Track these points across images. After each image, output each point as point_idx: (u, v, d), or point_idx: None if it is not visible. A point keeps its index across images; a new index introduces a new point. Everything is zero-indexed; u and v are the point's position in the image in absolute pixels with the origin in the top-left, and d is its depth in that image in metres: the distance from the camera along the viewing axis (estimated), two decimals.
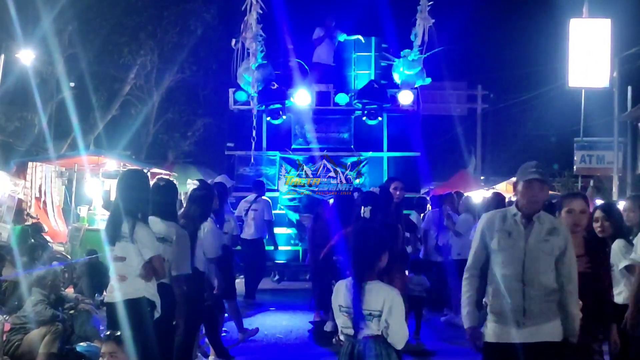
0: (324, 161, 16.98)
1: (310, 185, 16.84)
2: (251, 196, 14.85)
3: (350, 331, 5.34)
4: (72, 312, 9.96)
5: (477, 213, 12.69)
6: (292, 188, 16.90)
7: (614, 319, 6.64)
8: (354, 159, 17.18)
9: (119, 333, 6.28)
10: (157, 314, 6.70)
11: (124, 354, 6.23)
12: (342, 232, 9.44)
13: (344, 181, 16.90)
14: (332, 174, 16.96)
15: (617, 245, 7.27)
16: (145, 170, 11.31)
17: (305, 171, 16.89)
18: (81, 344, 9.31)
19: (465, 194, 16.38)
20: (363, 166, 17.13)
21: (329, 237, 10.82)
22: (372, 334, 5.23)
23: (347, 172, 16.98)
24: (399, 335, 5.24)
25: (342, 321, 5.42)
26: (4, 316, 9.23)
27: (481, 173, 32.40)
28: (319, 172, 16.92)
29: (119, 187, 6.93)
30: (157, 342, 6.62)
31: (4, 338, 8.87)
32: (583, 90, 23.73)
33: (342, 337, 5.50)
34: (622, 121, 24.01)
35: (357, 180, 16.96)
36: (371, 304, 5.25)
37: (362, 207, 8.59)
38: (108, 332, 6.44)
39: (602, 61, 22.61)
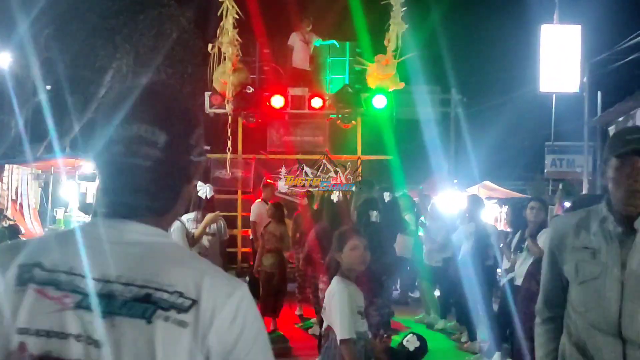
0: (324, 161, 17.13)
1: (310, 186, 16.95)
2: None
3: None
4: None
5: (452, 218, 12.96)
6: (292, 187, 17.01)
7: None
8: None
9: None
10: None
11: None
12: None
13: (344, 181, 17.01)
14: (331, 173, 17.06)
15: None
16: None
17: (305, 171, 16.99)
18: None
19: (434, 198, 16.61)
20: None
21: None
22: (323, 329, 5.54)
23: (347, 172, 17.10)
24: (336, 328, 5.32)
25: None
26: None
27: (454, 176, 32.62)
28: (318, 172, 17.04)
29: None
30: None
31: None
32: (554, 95, 24.08)
33: None
34: (592, 126, 24.39)
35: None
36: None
37: (370, 212, 8.84)
38: None
39: (572, 67, 22.95)
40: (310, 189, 15.94)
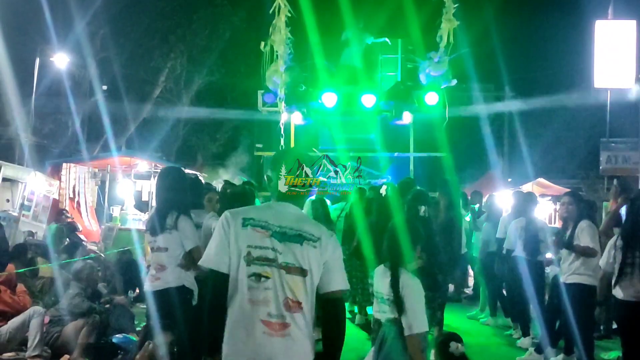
0: (324, 161, 16.89)
1: (310, 186, 16.69)
2: None
3: (378, 315, 5.65)
4: (107, 306, 10.30)
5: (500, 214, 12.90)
6: (292, 188, 16.61)
7: None
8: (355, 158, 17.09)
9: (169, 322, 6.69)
10: (194, 302, 6.98)
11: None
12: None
13: (344, 181, 16.87)
14: (332, 174, 16.90)
15: None
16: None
17: (305, 171, 16.76)
18: (117, 335, 9.63)
19: (488, 195, 16.52)
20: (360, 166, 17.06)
21: None
22: (391, 317, 5.49)
23: (347, 172, 16.92)
24: (408, 320, 5.40)
25: (374, 306, 5.76)
26: (44, 309, 9.53)
27: (509, 174, 32.41)
28: (318, 172, 16.88)
29: (162, 183, 7.22)
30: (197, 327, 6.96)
31: (44, 330, 9.19)
32: (609, 91, 23.80)
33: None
34: None
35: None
36: (387, 288, 5.57)
37: (421, 207, 8.88)
38: (163, 323, 6.81)
39: (627, 62, 22.68)
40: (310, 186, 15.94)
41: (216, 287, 4.03)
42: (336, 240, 4.16)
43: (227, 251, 4.00)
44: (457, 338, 7.42)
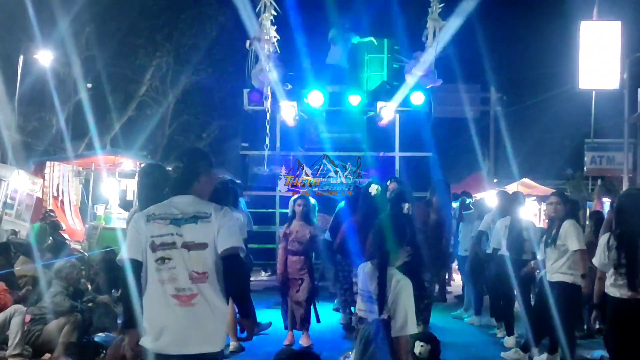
0: (324, 161, 16.86)
1: (310, 185, 16.73)
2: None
3: (363, 314, 5.56)
4: (90, 305, 10.25)
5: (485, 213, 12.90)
6: (291, 188, 16.79)
7: None
8: (355, 158, 17.16)
9: None
10: None
11: None
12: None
13: (344, 181, 16.87)
14: (331, 174, 16.86)
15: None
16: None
17: (305, 171, 16.81)
18: (99, 334, 9.59)
19: (477, 196, 16.51)
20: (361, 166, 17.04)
21: None
22: (378, 316, 5.35)
23: (347, 172, 16.89)
24: (399, 321, 5.29)
25: (358, 304, 5.68)
26: (25, 308, 9.48)
27: (495, 175, 32.45)
28: (318, 172, 16.84)
29: (146, 181, 7.06)
30: None
31: (25, 328, 9.14)
32: (593, 92, 23.91)
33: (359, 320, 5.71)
34: (632, 123, 24.13)
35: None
36: (374, 286, 5.46)
37: (403, 205, 8.87)
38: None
39: (612, 63, 22.81)
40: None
41: (134, 273, 4.87)
42: (225, 210, 5.01)
43: (140, 243, 4.89)
44: (427, 338, 7.40)
